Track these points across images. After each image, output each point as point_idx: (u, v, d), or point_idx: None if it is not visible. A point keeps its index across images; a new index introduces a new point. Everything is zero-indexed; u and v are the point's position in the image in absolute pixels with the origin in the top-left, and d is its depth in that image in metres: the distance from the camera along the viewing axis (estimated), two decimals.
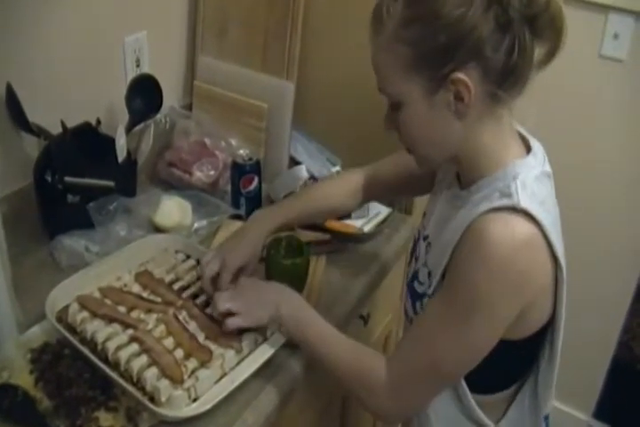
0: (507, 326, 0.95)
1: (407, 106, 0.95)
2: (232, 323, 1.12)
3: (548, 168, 1.02)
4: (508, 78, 0.91)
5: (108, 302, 1.19)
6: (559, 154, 1.90)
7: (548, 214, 0.94)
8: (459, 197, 1.03)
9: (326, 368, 1.09)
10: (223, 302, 1.13)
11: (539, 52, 0.92)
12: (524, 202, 0.91)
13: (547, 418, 1.13)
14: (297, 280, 1.26)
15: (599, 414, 2.31)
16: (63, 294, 1.20)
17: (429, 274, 1.06)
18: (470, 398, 1.07)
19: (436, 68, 0.89)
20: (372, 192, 1.32)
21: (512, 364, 1.07)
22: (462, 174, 1.05)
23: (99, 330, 1.12)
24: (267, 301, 1.13)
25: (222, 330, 1.14)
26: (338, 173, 1.55)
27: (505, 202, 0.93)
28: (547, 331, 1.03)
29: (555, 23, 0.89)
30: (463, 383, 1.06)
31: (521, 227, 0.91)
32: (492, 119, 0.95)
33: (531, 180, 0.95)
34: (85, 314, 1.15)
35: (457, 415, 1.10)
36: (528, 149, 1.01)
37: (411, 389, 1.01)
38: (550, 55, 0.92)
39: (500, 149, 0.98)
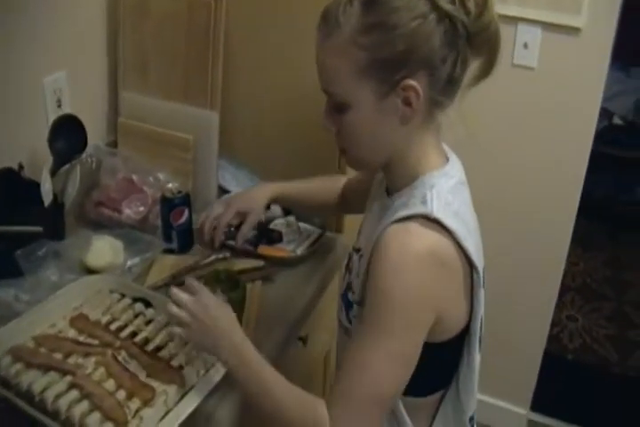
0: (427, 330, 0.97)
1: (355, 108, 0.98)
2: (176, 332, 1.11)
3: (463, 177, 1.07)
4: (449, 88, 0.97)
5: (42, 350, 1.17)
6: (479, 157, 1.99)
7: (463, 223, 0.98)
8: (384, 206, 1.07)
9: (270, 417, 1.04)
10: (180, 299, 1.08)
11: (474, 66, 0.98)
12: (438, 212, 0.96)
13: (472, 419, 1.15)
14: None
15: (537, 406, 2.39)
16: None
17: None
18: (397, 398, 1.07)
19: (389, 74, 0.94)
20: (344, 204, 1.42)
21: (437, 367, 1.08)
22: (389, 183, 1.09)
23: (35, 381, 1.10)
24: (216, 338, 1.07)
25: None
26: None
27: (419, 210, 0.97)
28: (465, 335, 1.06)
29: (492, 41, 0.96)
30: None
31: (427, 237, 0.95)
32: (429, 127, 1.01)
33: (446, 190, 1.00)
34: (19, 366, 1.13)
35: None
36: (447, 158, 1.06)
37: (359, 420, 0.97)
38: (486, 70, 0.99)
39: (423, 158, 1.03)
